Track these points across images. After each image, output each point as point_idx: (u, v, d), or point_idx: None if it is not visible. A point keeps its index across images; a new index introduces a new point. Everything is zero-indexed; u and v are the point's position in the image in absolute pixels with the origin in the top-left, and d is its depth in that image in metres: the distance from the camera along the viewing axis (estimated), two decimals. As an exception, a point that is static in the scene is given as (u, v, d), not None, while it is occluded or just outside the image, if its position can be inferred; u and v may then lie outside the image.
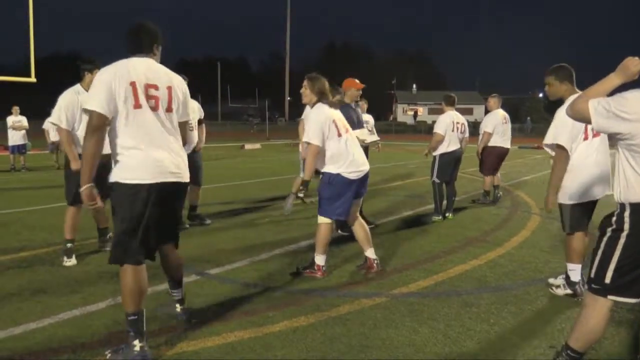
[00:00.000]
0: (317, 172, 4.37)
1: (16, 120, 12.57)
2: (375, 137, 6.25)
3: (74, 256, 4.56)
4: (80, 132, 4.47)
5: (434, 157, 6.79)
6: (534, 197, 8.69)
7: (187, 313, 3.31)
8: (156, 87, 2.84)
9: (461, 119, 6.92)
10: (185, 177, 2.98)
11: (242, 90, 61.91)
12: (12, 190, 9.15)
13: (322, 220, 4.24)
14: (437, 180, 6.74)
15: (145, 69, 2.83)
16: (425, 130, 47.94)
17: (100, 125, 2.69)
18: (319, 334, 3.15)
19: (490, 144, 7.99)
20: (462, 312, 3.54)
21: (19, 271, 4.35)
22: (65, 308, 3.50)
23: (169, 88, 2.90)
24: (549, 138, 3.69)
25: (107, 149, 2.78)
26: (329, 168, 4.18)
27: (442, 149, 6.70)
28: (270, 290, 3.92)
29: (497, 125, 7.95)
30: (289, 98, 59.70)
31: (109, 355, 2.78)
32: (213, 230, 5.80)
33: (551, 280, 4.09)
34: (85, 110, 2.74)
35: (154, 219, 2.80)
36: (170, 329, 3.19)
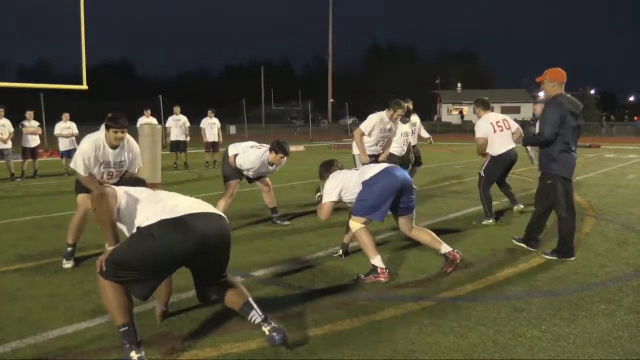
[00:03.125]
0: None
1: (65, 127, 13.04)
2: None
3: (72, 259, 4.67)
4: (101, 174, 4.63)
5: (490, 157, 6.54)
6: (588, 198, 8.36)
7: (279, 333, 2.83)
8: None
9: (500, 117, 6.71)
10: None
11: (285, 93, 62.45)
12: (66, 193, 9.49)
13: (355, 226, 4.28)
14: (482, 175, 6.51)
15: None
16: (471, 130, 47.16)
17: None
18: (364, 338, 3.10)
19: None
20: (512, 317, 3.42)
21: (72, 271, 4.50)
22: (115, 308, 3.58)
23: None
24: None
25: None
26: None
27: (494, 152, 6.46)
28: (314, 293, 3.91)
29: None
30: (332, 100, 59.80)
31: None
32: (258, 232, 5.84)
33: None
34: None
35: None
36: (215, 330, 3.22)
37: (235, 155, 6.00)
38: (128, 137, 4.66)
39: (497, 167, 6.53)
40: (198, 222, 2.75)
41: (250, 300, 2.95)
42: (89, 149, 4.50)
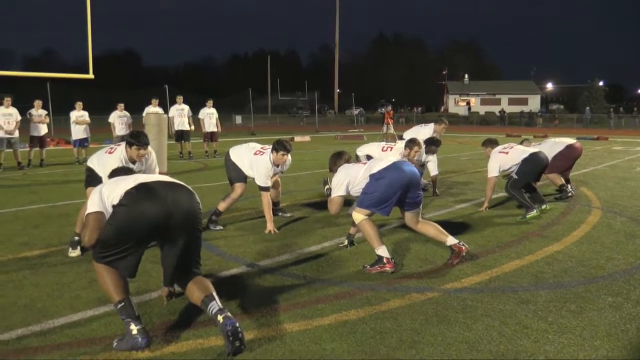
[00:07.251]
0: None
1: (79, 115, 13.12)
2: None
3: (79, 247, 4.66)
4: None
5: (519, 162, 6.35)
6: (595, 190, 8.31)
7: (232, 322, 2.73)
8: None
9: (506, 145, 6.69)
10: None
11: (291, 83, 62.26)
12: (72, 182, 9.52)
13: (357, 217, 4.27)
14: (515, 177, 6.29)
15: None
16: (477, 121, 46.85)
17: None
18: (368, 328, 3.10)
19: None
20: (518, 309, 3.41)
21: (77, 260, 4.51)
22: (120, 297, 3.58)
23: None
24: None
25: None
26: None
27: (517, 160, 6.32)
28: (320, 283, 3.90)
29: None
30: (338, 90, 59.58)
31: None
32: (263, 222, 5.83)
33: None
34: None
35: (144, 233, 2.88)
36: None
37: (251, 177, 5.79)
38: (149, 149, 4.79)
39: (528, 169, 6.27)
40: (168, 190, 2.93)
41: (214, 293, 2.92)
42: (115, 165, 4.48)
